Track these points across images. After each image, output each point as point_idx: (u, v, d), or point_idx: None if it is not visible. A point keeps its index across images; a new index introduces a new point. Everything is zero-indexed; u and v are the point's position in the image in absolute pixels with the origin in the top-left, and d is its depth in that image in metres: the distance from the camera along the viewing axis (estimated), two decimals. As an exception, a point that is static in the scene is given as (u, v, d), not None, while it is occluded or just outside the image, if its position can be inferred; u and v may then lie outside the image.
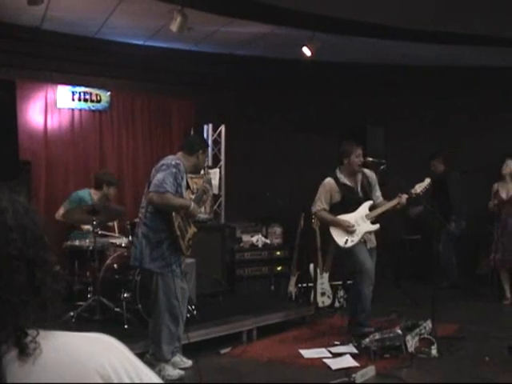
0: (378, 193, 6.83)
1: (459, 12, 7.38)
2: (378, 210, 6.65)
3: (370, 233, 6.68)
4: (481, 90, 9.88)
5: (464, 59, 9.39)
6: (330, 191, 6.64)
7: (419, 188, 6.57)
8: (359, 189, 6.72)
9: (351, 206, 6.64)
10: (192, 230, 5.51)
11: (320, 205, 6.65)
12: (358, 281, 6.64)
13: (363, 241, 6.62)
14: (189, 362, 5.61)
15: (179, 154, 5.55)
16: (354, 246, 6.56)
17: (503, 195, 8.57)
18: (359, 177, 6.74)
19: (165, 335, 5.33)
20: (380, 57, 9.38)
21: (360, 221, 6.59)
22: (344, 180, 6.67)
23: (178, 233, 5.26)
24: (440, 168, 9.60)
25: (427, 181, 6.62)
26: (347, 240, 6.53)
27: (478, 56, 9.17)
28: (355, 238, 6.55)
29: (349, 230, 6.52)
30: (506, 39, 8.10)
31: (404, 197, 6.54)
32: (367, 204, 6.69)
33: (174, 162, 5.32)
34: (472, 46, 8.50)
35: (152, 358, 5.37)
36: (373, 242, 6.72)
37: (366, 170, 6.79)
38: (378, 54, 9.19)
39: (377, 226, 6.66)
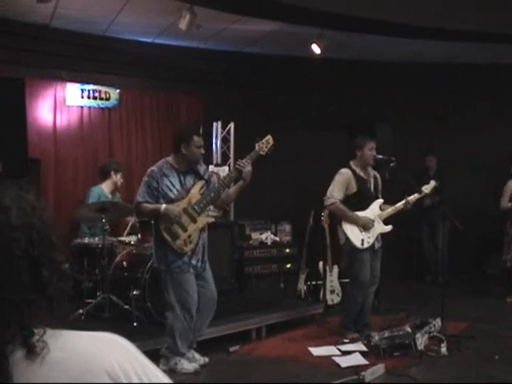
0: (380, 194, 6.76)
1: (469, 9, 7.33)
2: (390, 211, 6.53)
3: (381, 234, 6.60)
4: (486, 88, 9.80)
5: (470, 56, 9.33)
6: (347, 180, 6.46)
7: (426, 190, 6.55)
8: (372, 184, 6.65)
9: (365, 200, 6.51)
10: (197, 224, 5.44)
11: (337, 195, 6.41)
12: (352, 287, 6.64)
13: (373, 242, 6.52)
14: (201, 360, 5.61)
15: (171, 154, 5.55)
16: (362, 252, 6.45)
17: None
18: (371, 172, 6.68)
19: (178, 329, 5.36)
20: (384, 54, 9.33)
21: (375, 220, 6.52)
22: (359, 172, 6.56)
23: (166, 235, 5.31)
24: (434, 164, 9.77)
25: (432, 183, 6.60)
26: (363, 240, 6.41)
27: (484, 53, 9.11)
28: (371, 239, 6.45)
29: (368, 226, 6.41)
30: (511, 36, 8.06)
31: (412, 198, 6.49)
32: (378, 202, 6.59)
33: (148, 170, 5.45)
34: (479, 43, 8.45)
35: (168, 351, 5.43)
36: (380, 240, 6.64)
37: (375, 171, 6.75)
38: (382, 51, 9.14)
39: (390, 228, 6.57)
